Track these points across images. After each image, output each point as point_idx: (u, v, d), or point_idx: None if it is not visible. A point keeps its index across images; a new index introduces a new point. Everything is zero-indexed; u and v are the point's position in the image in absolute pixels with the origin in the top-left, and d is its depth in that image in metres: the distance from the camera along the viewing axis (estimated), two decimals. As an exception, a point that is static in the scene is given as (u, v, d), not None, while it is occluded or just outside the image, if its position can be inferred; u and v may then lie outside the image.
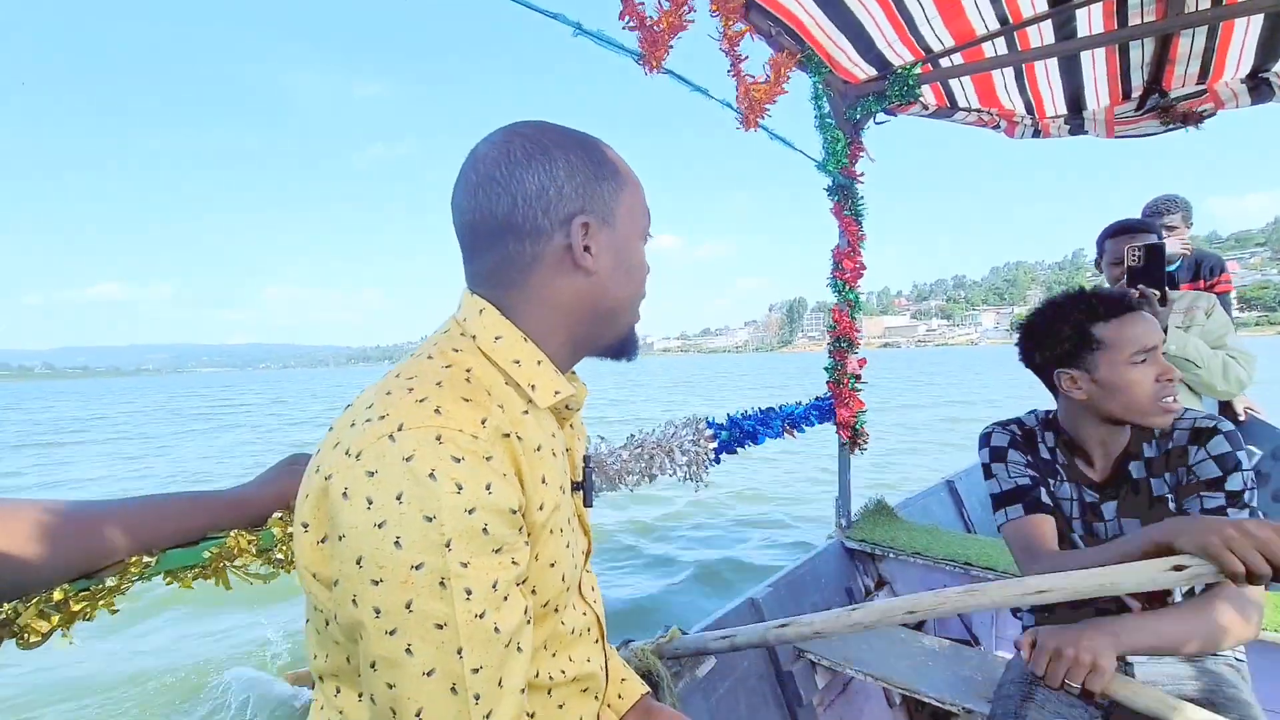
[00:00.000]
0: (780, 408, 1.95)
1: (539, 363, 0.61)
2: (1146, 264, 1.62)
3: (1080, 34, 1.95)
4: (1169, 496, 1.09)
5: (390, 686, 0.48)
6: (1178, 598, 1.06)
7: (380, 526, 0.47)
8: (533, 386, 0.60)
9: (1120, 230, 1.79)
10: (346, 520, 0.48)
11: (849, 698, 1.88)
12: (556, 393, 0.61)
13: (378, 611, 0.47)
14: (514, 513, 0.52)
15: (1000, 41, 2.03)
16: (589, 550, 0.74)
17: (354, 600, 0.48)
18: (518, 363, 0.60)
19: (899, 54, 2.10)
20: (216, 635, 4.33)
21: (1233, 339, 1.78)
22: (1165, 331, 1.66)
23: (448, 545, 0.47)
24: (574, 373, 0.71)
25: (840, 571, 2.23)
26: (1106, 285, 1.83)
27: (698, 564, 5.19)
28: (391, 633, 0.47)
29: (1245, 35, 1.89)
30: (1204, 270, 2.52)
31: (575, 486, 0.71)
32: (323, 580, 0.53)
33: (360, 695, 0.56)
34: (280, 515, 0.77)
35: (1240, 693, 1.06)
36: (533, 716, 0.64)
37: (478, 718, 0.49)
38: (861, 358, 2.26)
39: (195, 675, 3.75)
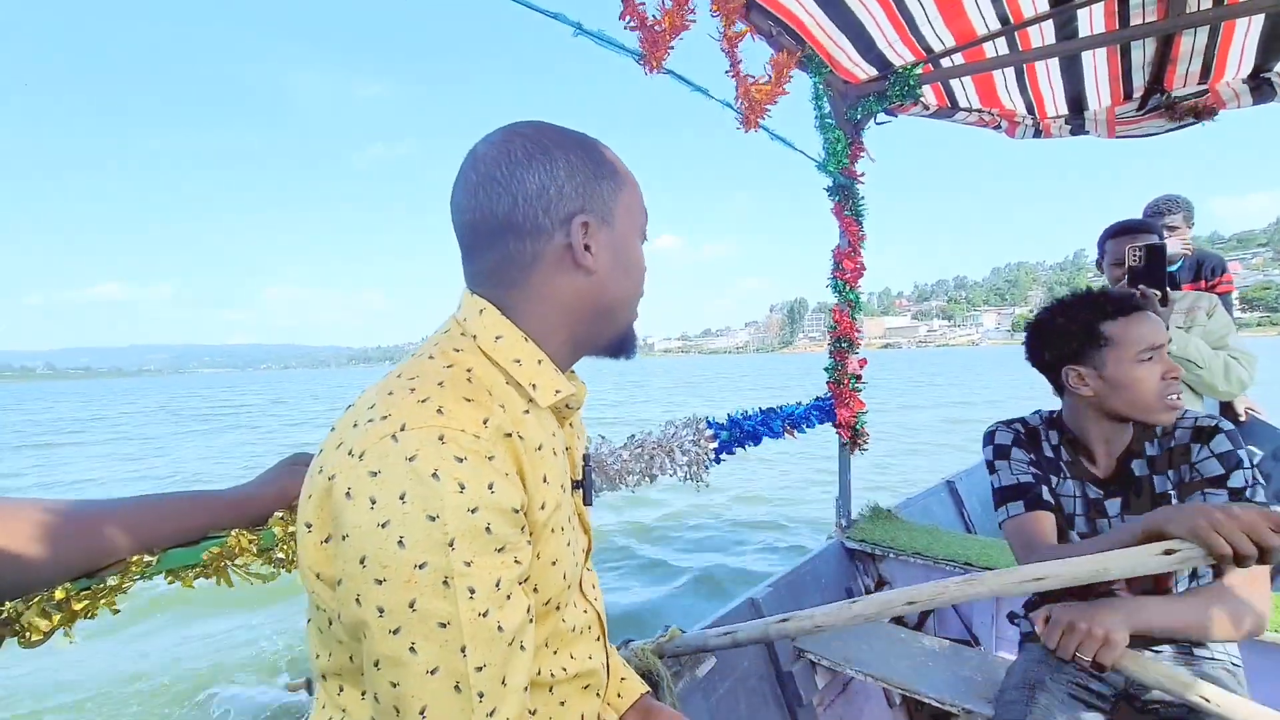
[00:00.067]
0: (781, 408, 1.95)
1: (539, 362, 0.61)
2: (1147, 264, 1.62)
3: (1081, 34, 1.95)
4: (1172, 494, 1.10)
5: (394, 685, 0.48)
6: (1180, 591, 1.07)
7: (384, 526, 0.47)
8: (534, 386, 0.60)
9: (1121, 231, 1.79)
10: (350, 520, 0.48)
11: (849, 698, 1.88)
12: (557, 391, 0.62)
13: (381, 611, 0.48)
14: (516, 512, 0.53)
15: (1001, 41, 2.03)
16: (589, 548, 0.74)
17: (357, 600, 0.49)
18: (518, 362, 0.60)
19: (900, 54, 2.10)
20: (210, 637, 4.32)
21: (1234, 339, 1.78)
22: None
23: (451, 545, 0.48)
24: (573, 372, 0.72)
25: (840, 571, 2.23)
26: (1108, 286, 1.83)
27: (696, 570, 5.17)
28: (395, 632, 0.48)
29: (1246, 35, 1.89)
30: (1205, 270, 2.52)
31: (575, 485, 0.71)
32: (326, 580, 0.53)
33: (363, 694, 0.56)
34: (281, 515, 0.77)
35: (1225, 684, 1.06)
36: (535, 714, 0.64)
37: (481, 716, 0.49)
38: (862, 358, 2.26)
39: (191, 680, 3.74)
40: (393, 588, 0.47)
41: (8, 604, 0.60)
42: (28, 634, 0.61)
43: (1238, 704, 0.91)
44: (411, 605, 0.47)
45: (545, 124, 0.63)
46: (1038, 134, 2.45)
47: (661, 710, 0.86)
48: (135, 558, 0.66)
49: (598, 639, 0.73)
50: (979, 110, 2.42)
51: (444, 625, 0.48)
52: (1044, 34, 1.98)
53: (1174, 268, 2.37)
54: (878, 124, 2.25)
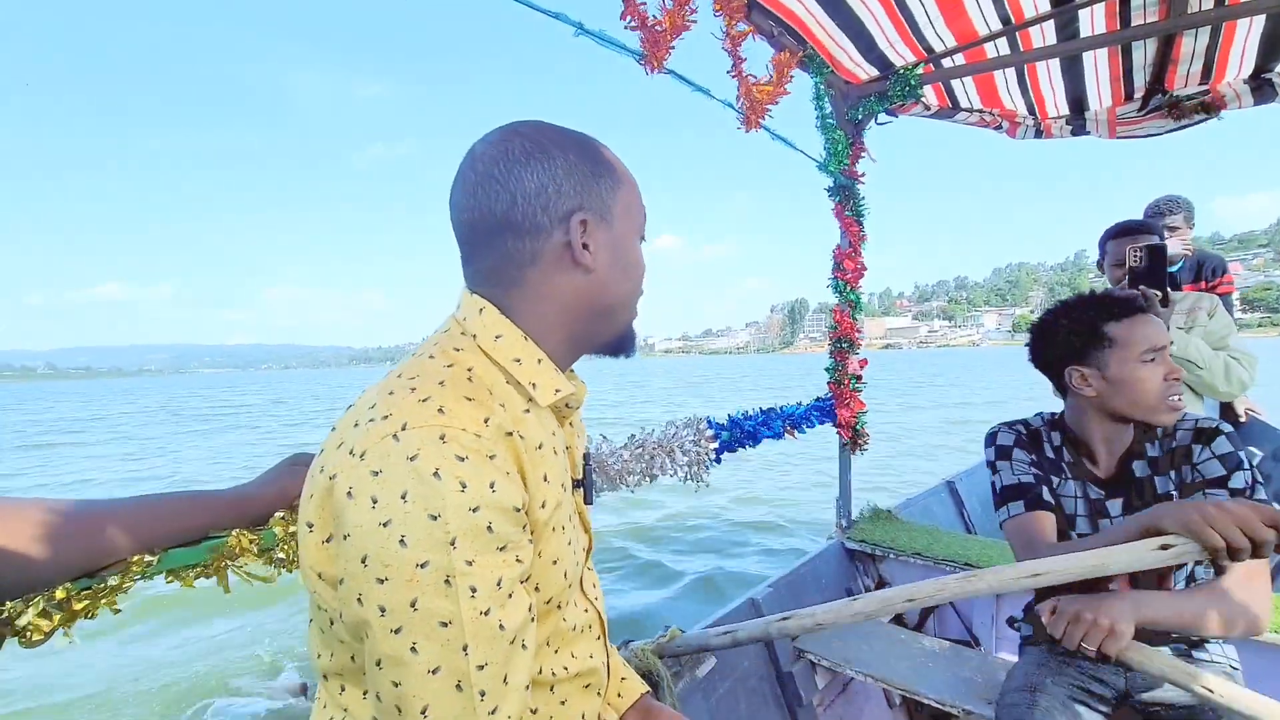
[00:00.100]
0: (781, 408, 1.95)
1: (539, 361, 0.61)
2: (1148, 265, 1.62)
3: (1083, 34, 1.95)
4: (1173, 494, 1.11)
5: (396, 684, 0.48)
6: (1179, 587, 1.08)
7: (385, 525, 0.47)
8: (533, 385, 0.60)
9: (1122, 231, 1.78)
10: (351, 519, 0.48)
11: (849, 698, 1.88)
12: (557, 391, 0.62)
13: (383, 610, 0.48)
14: (518, 511, 0.53)
15: (1002, 42, 2.03)
16: (589, 547, 0.74)
17: (359, 599, 0.49)
18: (518, 361, 0.60)
19: (901, 54, 2.10)
20: (202, 640, 4.30)
21: (1235, 340, 1.78)
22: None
23: (452, 543, 0.48)
24: (573, 371, 0.72)
25: (840, 572, 2.23)
26: (1109, 286, 1.83)
27: (693, 573, 5.14)
28: (397, 631, 0.48)
29: (1248, 36, 1.89)
30: (1206, 271, 2.52)
31: (576, 484, 0.71)
32: (328, 579, 0.53)
33: (365, 693, 0.56)
34: (282, 515, 0.77)
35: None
36: (536, 713, 0.64)
37: (483, 714, 0.49)
38: (862, 358, 2.26)
39: (185, 685, 3.71)
40: (394, 587, 0.47)
41: (8, 604, 0.60)
42: (28, 634, 0.61)
43: (1241, 694, 0.91)
44: (413, 604, 0.47)
45: (544, 123, 0.63)
46: (1039, 134, 2.45)
47: (661, 710, 0.86)
48: (136, 558, 0.66)
49: (598, 638, 0.73)
50: (980, 110, 2.42)
51: (446, 624, 0.48)
52: (1045, 34, 1.98)
53: (1174, 268, 2.36)
54: (879, 124, 2.25)
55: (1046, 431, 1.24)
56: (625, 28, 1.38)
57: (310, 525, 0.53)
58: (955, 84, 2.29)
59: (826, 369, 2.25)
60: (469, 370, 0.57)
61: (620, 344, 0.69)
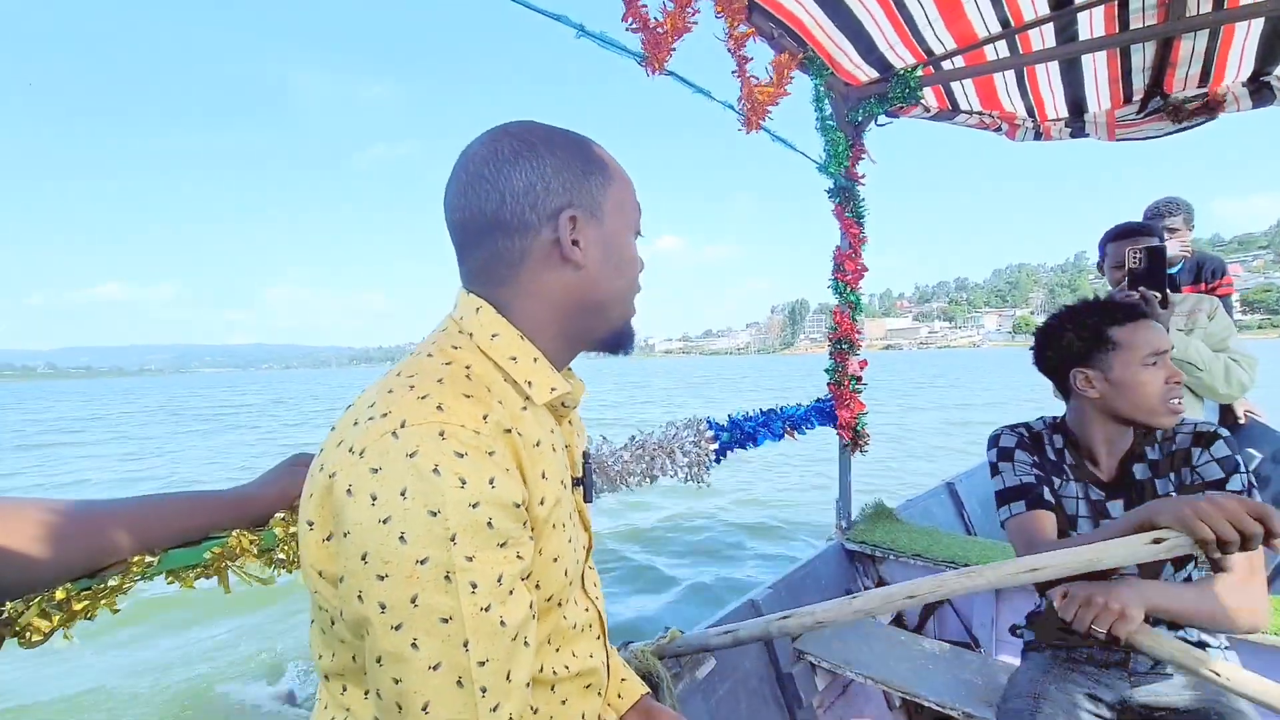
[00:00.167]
0: (781, 409, 1.95)
1: (535, 359, 0.62)
2: (1147, 266, 1.62)
3: (1082, 37, 1.95)
4: (1173, 496, 1.12)
5: (396, 681, 0.48)
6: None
7: (385, 522, 0.47)
8: (529, 383, 0.61)
9: (1122, 233, 1.78)
10: (351, 517, 0.49)
11: (849, 700, 1.88)
12: (553, 389, 0.62)
13: (383, 607, 0.48)
14: (517, 506, 0.53)
15: (1002, 44, 2.03)
16: (590, 546, 0.74)
17: (359, 596, 0.49)
18: (514, 360, 0.61)
19: (900, 56, 2.10)
20: (189, 644, 4.25)
21: (1235, 342, 1.78)
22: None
23: (452, 539, 0.48)
24: (570, 370, 0.72)
25: (840, 573, 2.23)
26: (1109, 288, 1.83)
27: (690, 579, 5.09)
28: (397, 627, 0.48)
29: (1246, 39, 1.89)
30: (1205, 273, 2.52)
31: (575, 483, 0.71)
32: (328, 577, 0.53)
33: (367, 693, 0.56)
34: (283, 516, 0.77)
35: (1232, 700, 1.08)
36: (537, 713, 0.64)
37: (484, 711, 0.49)
38: (862, 359, 2.26)
39: (176, 690, 3.67)
40: (394, 583, 0.47)
41: (8, 604, 0.60)
42: (28, 634, 0.61)
43: (1246, 678, 0.93)
44: (413, 601, 0.47)
45: (534, 123, 0.64)
46: (1038, 136, 2.45)
47: (661, 711, 0.86)
48: (136, 558, 0.66)
49: (598, 638, 0.73)
50: (979, 113, 2.42)
51: (446, 620, 0.48)
52: (1044, 37, 1.99)
53: (1174, 270, 2.36)
54: (878, 126, 2.26)
55: (1048, 434, 1.26)
56: (627, 29, 1.38)
57: (310, 523, 0.53)
58: (955, 86, 2.30)
59: (826, 370, 2.25)
60: (467, 368, 0.57)
61: (617, 341, 0.69)
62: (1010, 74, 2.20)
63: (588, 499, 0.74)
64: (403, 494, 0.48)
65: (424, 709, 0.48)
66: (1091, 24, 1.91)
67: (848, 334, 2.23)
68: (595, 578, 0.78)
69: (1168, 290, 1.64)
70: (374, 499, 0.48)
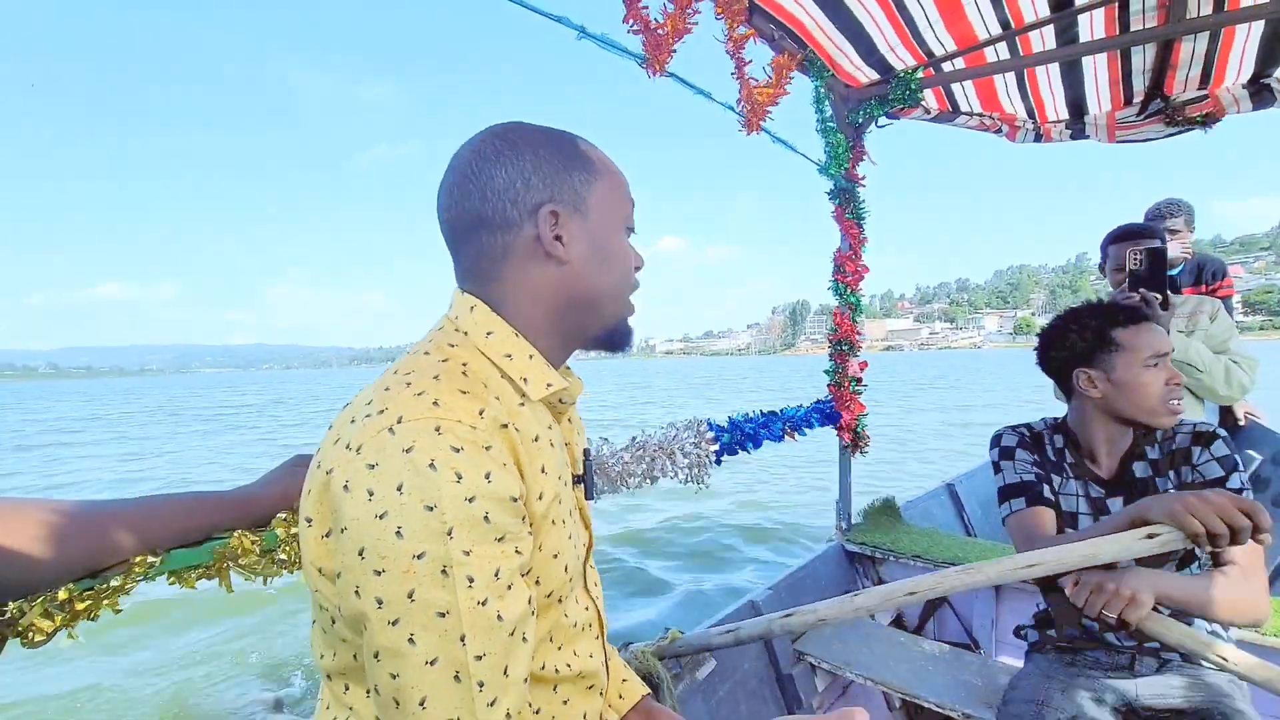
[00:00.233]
0: (782, 411, 1.95)
1: (530, 357, 0.62)
2: (1148, 268, 1.62)
3: (1082, 39, 1.96)
4: (1172, 493, 1.12)
5: (394, 677, 0.48)
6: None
7: (381, 517, 0.48)
8: (524, 380, 0.61)
9: (1123, 235, 1.78)
10: (348, 512, 0.49)
11: (849, 701, 1.88)
12: (549, 385, 0.62)
13: (380, 602, 0.48)
14: (514, 501, 0.53)
15: (1002, 46, 2.03)
16: (590, 544, 0.74)
17: (357, 592, 0.49)
18: (509, 357, 0.61)
19: (901, 58, 2.11)
20: (171, 651, 4.17)
21: (1236, 343, 1.78)
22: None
23: (449, 533, 0.48)
24: (569, 368, 0.73)
25: (840, 574, 2.23)
26: (1111, 289, 1.83)
27: (685, 585, 5.04)
28: (394, 623, 0.48)
29: (1246, 41, 1.89)
30: (1206, 275, 2.52)
31: (576, 480, 0.71)
32: (327, 574, 0.53)
33: (369, 691, 0.57)
34: (284, 516, 0.77)
35: (1235, 701, 1.09)
36: (539, 713, 0.64)
37: (481, 706, 0.49)
38: (863, 361, 2.26)
39: (157, 698, 3.60)
40: (391, 578, 0.47)
41: (11, 604, 0.60)
42: (31, 634, 0.61)
43: (1255, 664, 0.94)
44: (410, 595, 0.47)
45: (521, 123, 0.65)
46: (1038, 138, 2.45)
47: (662, 712, 0.86)
48: (138, 558, 0.66)
49: (596, 638, 0.73)
50: (980, 114, 2.42)
51: (443, 615, 0.48)
52: (1044, 39, 1.99)
53: (1174, 271, 2.36)
54: (879, 127, 2.26)
55: (1049, 435, 1.29)
56: (628, 31, 1.39)
57: (309, 520, 0.54)
58: (955, 88, 2.30)
59: (826, 371, 2.26)
60: (464, 365, 0.58)
61: (611, 339, 0.69)
62: (1010, 76, 2.20)
63: (589, 496, 0.74)
64: (399, 489, 0.48)
65: (421, 704, 0.48)
66: (1092, 26, 1.91)
67: (848, 335, 2.24)
68: (596, 577, 0.78)
69: (1168, 292, 1.64)
70: (371, 494, 0.48)
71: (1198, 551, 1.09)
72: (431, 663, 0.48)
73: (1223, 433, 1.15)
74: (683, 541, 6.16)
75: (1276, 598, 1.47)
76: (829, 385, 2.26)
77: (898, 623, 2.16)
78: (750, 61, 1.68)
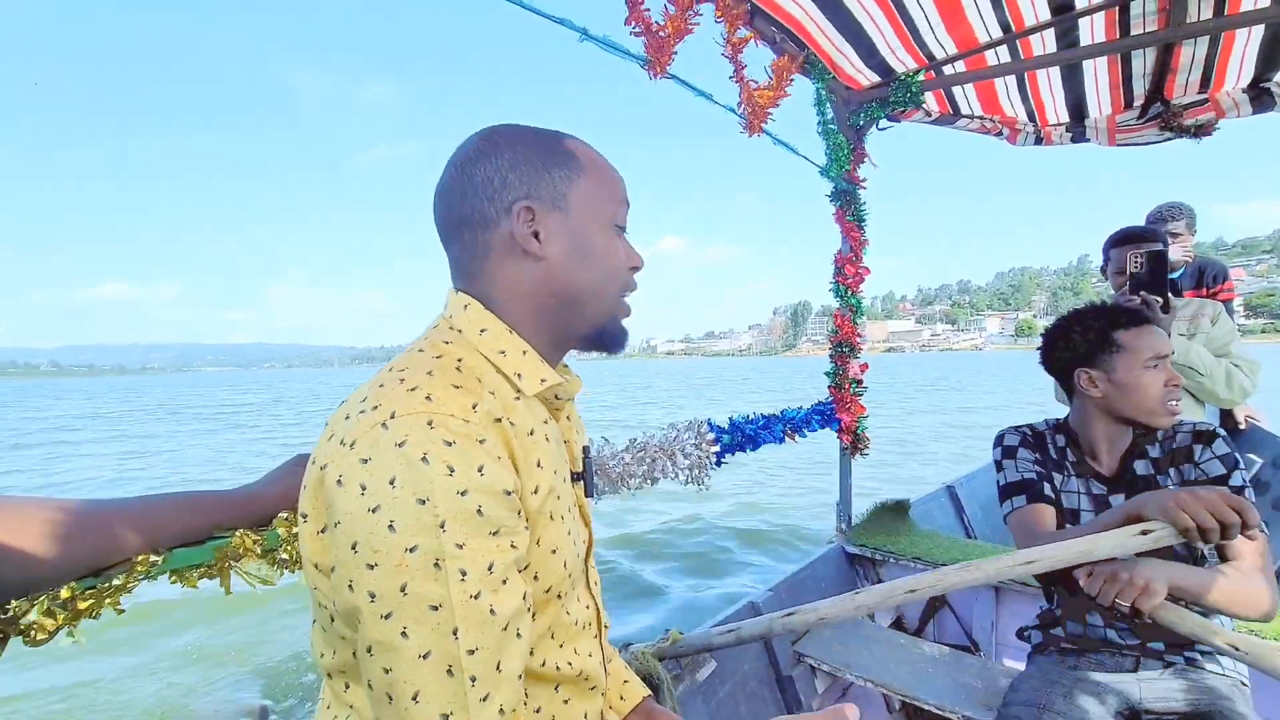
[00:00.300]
0: (782, 412, 1.95)
1: (524, 353, 0.63)
2: (1149, 272, 1.62)
3: (1083, 42, 1.96)
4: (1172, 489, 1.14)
5: (387, 671, 0.48)
6: None
7: (374, 511, 0.48)
8: (519, 375, 0.61)
9: (1125, 238, 1.79)
10: (341, 507, 0.49)
11: (848, 703, 1.88)
12: (543, 380, 0.63)
13: (373, 596, 0.48)
14: (508, 494, 0.53)
15: (1003, 49, 2.03)
16: (590, 542, 0.74)
17: (350, 586, 0.49)
18: (503, 353, 0.61)
19: (902, 60, 2.11)
20: (157, 656, 4.09)
21: (1237, 346, 1.78)
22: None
23: (442, 526, 0.48)
24: (566, 366, 0.73)
25: (840, 575, 2.23)
26: (1113, 292, 1.83)
27: (680, 590, 4.98)
28: (387, 616, 0.48)
29: (1246, 45, 1.90)
30: (1207, 278, 2.52)
31: (575, 477, 0.71)
32: (323, 570, 0.53)
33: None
34: (285, 515, 0.77)
35: (1236, 705, 1.09)
36: (539, 712, 0.64)
37: (474, 701, 0.49)
38: (863, 363, 2.26)
39: (143, 705, 3.52)
40: (384, 572, 0.47)
41: (13, 602, 0.60)
42: (33, 633, 0.61)
43: (1266, 650, 0.95)
44: (403, 589, 0.47)
45: (509, 124, 0.65)
46: (1039, 141, 2.45)
47: (662, 714, 0.86)
48: (141, 557, 0.67)
49: (595, 637, 0.73)
50: (980, 117, 2.42)
51: (435, 608, 0.48)
52: (1045, 42, 1.99)
53: (1175, 274, 2.36)
54: (880, 130, 2.26)
55: (1051, 434, 1.31)
56: (630, 33, 1.39)
57: (305, 516, 0.54)
58: (956, 90, 2.30)
59: (827, 373, 2.26)
60: (458, 361, 0.58)
61: (601, 338, 0.68)
62: (1011, 79, 2.20)
63: (589, 494, 0.74)
64: (391, 483, 0.48)
65: (414, 698, 0.48)
66: (1092, 29, 1.91)
67: (848, 337, 2.24)
68: (596, 576, 0.78)
69: (1169, 295, 1.64)
70: (363, 489, 0.48)
71: (1205, 550, 1.10)
72: (424, 656, 0.48)
73: (1222, 432, 1.17)
74: (679, 544, 6.10)
75: None
76: (829, 387, 2.26)
77: (898, 625, 2.16)
78: (746, 66, 1.68)
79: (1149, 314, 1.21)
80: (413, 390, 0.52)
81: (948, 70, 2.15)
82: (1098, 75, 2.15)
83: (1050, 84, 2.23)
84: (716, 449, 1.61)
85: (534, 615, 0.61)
